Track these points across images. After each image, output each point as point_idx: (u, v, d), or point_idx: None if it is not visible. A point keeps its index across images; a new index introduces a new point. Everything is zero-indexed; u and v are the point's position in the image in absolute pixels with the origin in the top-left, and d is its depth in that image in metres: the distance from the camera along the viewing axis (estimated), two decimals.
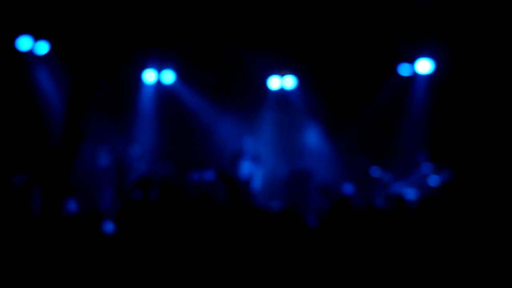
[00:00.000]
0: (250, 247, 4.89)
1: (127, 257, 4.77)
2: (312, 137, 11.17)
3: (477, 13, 8.99)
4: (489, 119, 9.65)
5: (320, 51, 10.13)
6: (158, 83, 10.91)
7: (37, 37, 9.65)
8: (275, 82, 10.96)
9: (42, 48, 9.75)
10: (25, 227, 5.32)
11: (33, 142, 9.62)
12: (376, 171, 9.98)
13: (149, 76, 10.76)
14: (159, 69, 10.80)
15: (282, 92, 11.05)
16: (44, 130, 9.81)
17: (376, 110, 10.61)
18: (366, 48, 9.97)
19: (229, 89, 10.73)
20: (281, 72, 10.88)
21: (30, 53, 9.73)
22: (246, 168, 9.95)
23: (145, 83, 10.84)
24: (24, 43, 9.60)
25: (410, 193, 9.41)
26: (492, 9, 8.85)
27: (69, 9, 9.04)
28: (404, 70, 10.46)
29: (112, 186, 9.45)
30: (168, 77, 10.85)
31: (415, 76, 10.43)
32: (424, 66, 10.23)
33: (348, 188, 9.85)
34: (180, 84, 10.99)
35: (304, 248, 4.99)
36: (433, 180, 9.50)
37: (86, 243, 4.90)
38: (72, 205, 8.18)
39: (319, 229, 5.55)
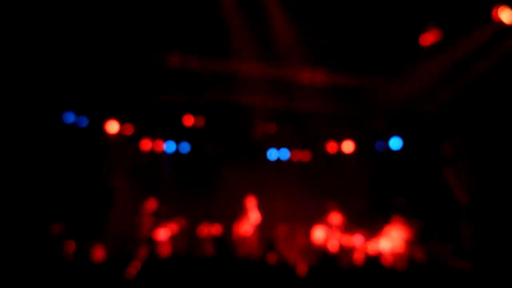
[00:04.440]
0: None
1: None
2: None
3: None
4: None
5: None
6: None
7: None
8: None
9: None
10: (59, 270, 5.88)
11: (71, 195, 10.51)
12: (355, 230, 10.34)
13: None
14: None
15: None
16: (81, 186, 10.86)
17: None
18: None
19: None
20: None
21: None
22: (247, 225, 10.80)
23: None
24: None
25: (387, 248, 9.70)
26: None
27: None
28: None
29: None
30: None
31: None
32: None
33: (333, 246, 10.30)
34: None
35: None
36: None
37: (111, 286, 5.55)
38: (101, 252, 9.23)
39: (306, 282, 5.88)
